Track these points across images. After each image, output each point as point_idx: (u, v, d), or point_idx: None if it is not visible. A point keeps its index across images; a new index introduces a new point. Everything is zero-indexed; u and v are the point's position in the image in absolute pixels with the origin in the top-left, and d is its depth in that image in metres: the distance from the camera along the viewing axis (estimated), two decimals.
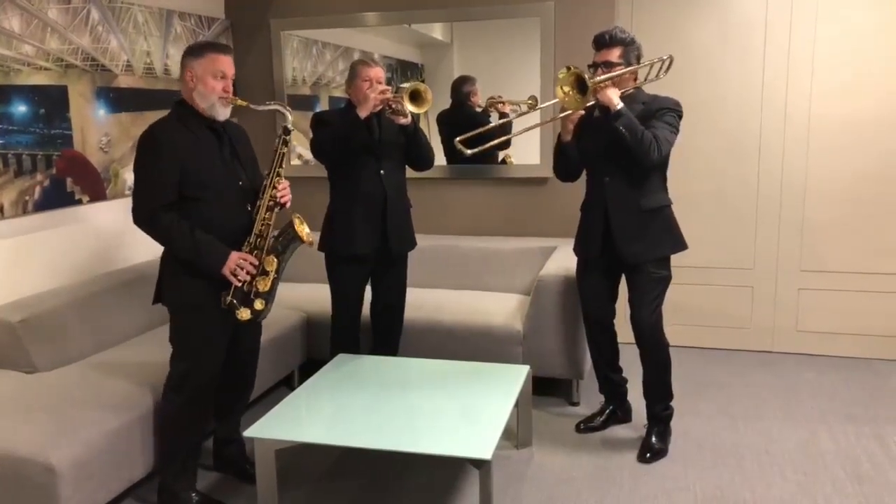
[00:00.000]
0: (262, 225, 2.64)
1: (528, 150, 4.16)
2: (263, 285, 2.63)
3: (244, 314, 2.60)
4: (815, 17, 3.87)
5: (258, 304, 2.62)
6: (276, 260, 2.66)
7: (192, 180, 2.52)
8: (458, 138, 2.88)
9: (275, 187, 2.65)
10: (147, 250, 2.47)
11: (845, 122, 3.92)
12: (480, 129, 3.00)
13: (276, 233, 2.69)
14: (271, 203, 2.65)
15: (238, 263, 2.56)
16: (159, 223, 2.50)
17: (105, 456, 2.48)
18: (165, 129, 2.56)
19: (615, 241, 2.94)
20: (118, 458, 2.55)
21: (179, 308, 2.63)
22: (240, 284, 2.58)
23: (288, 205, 2.71)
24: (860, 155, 3.93)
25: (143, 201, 2.52)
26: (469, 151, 2.87)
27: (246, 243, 2.62)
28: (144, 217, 2.52)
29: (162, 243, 2.58)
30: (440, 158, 3.97)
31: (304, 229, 2.69)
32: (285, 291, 3.99)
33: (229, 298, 2.58)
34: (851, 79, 3.88)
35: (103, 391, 2.71)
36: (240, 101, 2.65)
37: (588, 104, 2.82)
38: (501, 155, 4.30)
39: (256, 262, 2.61)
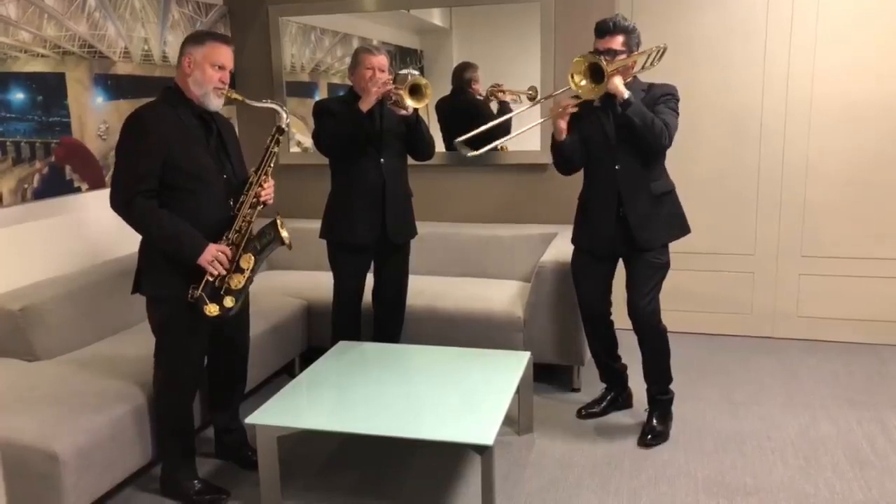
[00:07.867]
0: (243, 221, 2.58)
1: (527, 137, 4.12)
2: (236, 283, 2.57)
3: (212, 310, 2.52)
4: None
5: (228, 302, 2.55)
6: (252, 258, 2.59)
7: (177, 169, 2.47)
8: (459, 138, 2.85)
9: (261, 185, 2.60)
10: None
11: (847, 105, 3.90)
12: (481, 128, 2.98)
13: (257, 231, 2.63)
14: (255, 200, 2.60)
15: (215, 255, 2.49)
16: (135, 210, 2.44)
17: (107, 444, 2.48)
18: (154, 113, 2.50)
19: (631, 228, 2.93)
20: (120, 446, 2.55)
21: (158, 299, 2.59)
22: (212, 279, 2.52)
23: (269, 203, 2.65)
24: (861, 138, 3.91)
25: (122, 186, 2.45)
26: (471, 154, 2.86)
27: (224, 238, 2.56)
28: (121, 202, 2.45)
29: (137, 230, 2.52)
30: (440, 145, 3.95)
31: (284, 232, 2.64)
32: (286, 279, 4.01)
33: (198, 292, 2.50)
34: (853, 61, 3.85)
35: (104, 379, 2.71)
36: (235, 95, 2.61)
37: (599, 93, 2.77)
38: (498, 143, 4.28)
39: (231, 257, 2.55)
